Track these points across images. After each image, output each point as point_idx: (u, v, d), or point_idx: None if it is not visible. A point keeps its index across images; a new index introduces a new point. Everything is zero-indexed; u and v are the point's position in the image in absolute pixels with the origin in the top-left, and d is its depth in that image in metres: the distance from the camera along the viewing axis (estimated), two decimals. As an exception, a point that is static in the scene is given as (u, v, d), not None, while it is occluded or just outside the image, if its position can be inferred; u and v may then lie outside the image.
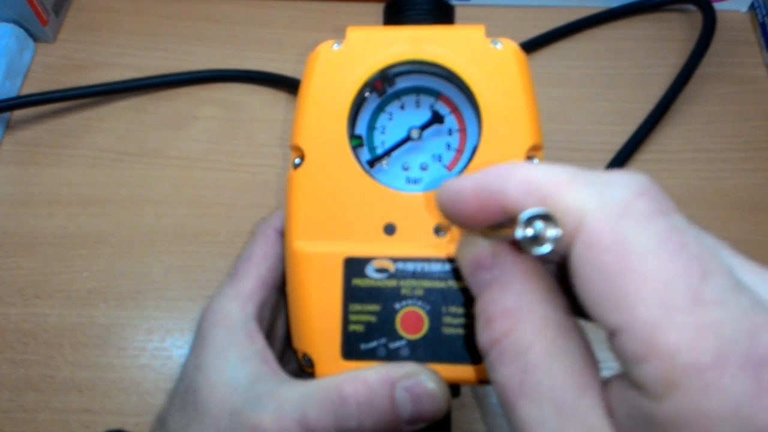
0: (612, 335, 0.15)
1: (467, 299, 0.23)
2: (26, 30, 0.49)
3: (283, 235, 0.27)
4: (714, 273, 0.14)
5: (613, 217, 0.15)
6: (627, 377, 0.15)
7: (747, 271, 0.16)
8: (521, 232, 0.16)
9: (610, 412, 0.15)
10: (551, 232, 0.15)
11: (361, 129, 0.27)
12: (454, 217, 0.18)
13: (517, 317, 0.17)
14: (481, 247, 0.18)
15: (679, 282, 0.14)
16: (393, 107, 0.28)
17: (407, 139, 0.27)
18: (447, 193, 0.18)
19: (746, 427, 0.13)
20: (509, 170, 0.17)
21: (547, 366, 0.16)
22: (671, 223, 0.15)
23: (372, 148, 0.27)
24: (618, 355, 0.15)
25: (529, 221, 0.16)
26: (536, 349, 0.16)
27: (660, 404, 0.14)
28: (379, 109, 0.28)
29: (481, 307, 0.18)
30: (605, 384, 0.16)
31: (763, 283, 0.15)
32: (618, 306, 0.14)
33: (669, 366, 0.13)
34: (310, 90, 0.26)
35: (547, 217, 0.16)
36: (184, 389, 0.25)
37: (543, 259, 0.18)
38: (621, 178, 0.16)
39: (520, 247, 0.16)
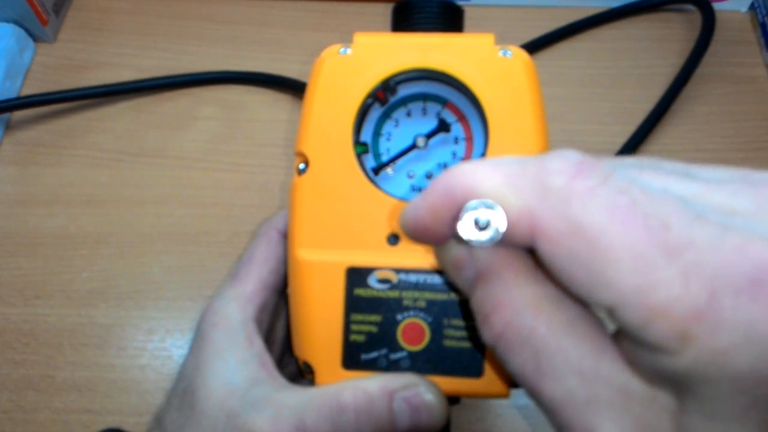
0: (610, 313, 0.15)
1: (469, 312, 0.23)
2: (26, 30, 0.49)
3: (285, 236, 0.27)
4: (672, 216, 0.14)
5: (560, 206, 0.15)
6: (639, 341, 0.15)
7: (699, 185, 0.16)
8: (463, 227, 0.17)
9: (631, 364, 0.16)
10: (495, 220, 0.16)
11: (366, 136, 0.27)
12: (424, 241, 0.19)
13: (512, 307, 0.17)
14: (456, 246, 0.18)
15: (644, 242, 0.14)
16: (399, 114, 0.28)
17: (413, 147, 0.27)
18: (406, 221, 0.18)
19: (764, 348, 0.13)
20: (451, 184, 0.17)
21: (555, 343, 0.16)
22: (614, 188, 0.15)
23: (377, 155, 0.27)
24: (623, 328, 0.15)
25: (468, 218, 0.17)
26: (540, 331, 0.16)
27: (678, 358, 0.14)
28: (385, 116, 0.27)
29: (475, 306, 0.18)
30: (616, 338, 0.16)
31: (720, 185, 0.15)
32: (601, 286, 0.15)
33: (670, 322, 0.14)
34: (315, 96, 0.26)
35: (490, 206, 0.16)
36: (183, 390, 0.25)
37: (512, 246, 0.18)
38: (553, 163, 0.16)
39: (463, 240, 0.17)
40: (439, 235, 0.18)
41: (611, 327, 0.16)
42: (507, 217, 0.16)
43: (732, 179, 0.16)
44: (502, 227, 0.16)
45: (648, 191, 0.15)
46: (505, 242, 0.17)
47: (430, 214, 0.18)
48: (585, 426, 0.16)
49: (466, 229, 0.17)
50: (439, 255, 0.20)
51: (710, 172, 0.16)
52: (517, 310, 0.17)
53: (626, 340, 0.16)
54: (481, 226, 0.16)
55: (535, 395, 0.17)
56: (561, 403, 0.16)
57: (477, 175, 0.17)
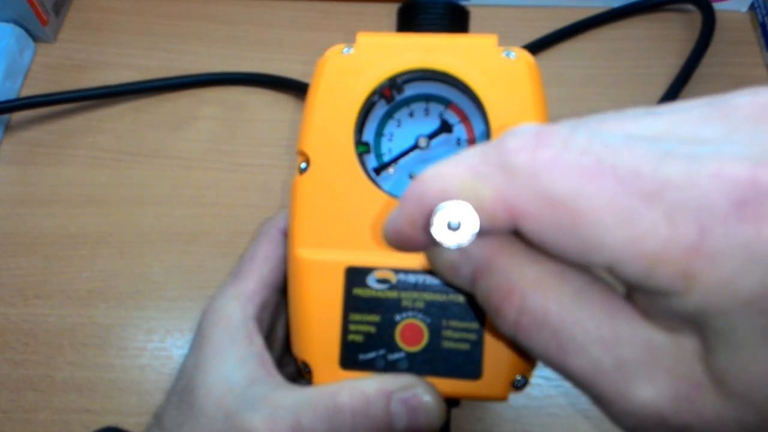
0: (610, 272, 0.15)
1: (468, 313, 0.23)
2: (26, 30, 0.49)
3: (287, 236, 0.27)
4: (640, 161, 0.14)
5: (530, 183, 0.15)
6: (646, 291, 0.15)
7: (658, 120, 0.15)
8: (438, 233, 0.16)
9: (649, 317, 0.15)
10: (466, 216, 0.16)
11: (368, 136, 0.27)
12: (412, 250, 0.19)
13: (519, 292, 0.17)
14: (446, 250, 0.18)
15: (619, 195, 0.14)
16: (401, 114, 0.27)
17: (414, 147, 0.27)
18: (388, 235, 0.19)
19: (766, 265, 0.13)
20: (420, 192, 0.17)
21: (569, 316, 0.16)
22: (575, 150, 0.15)
23: (379, 155, 0.27)
24: (627, 282, 0.15)
25: (440, 223, 0.16)
26: (552, 309, 0.16)
27: (687, 298, 0.14)
28: (388, 116, 0.27)
29: (483, 302, 0.18)
30: (629, 295, 0.16)
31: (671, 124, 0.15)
32: (592, 250, 0.14)
33: (669, 266, 0.14)
34: (317, 95, 0.26)
35: (458, 206, 0.16)
36: (182, 387, 0.25)
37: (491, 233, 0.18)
38: (511, 142, 0.16)
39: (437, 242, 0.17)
40: (422, 243, 0.18)
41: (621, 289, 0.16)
42: (483, 207, 0.16)
43: (696, 106, 0.15)
44: (476, 222, 0.16)
45: (610, 143, 0.15)
46: (487, 233, 0.16)
47: (407, 225, 0.18)
48: (619, 392, 0.15)
49: (441, 234, 0.17)
50: (432, 261, 0.19)
51: (674, 105, 0.16)
52: (524, 294, 0.17)
53: (638, 293, 0.15)
54: (455, 227, 0.16)
55: (564, 373, 0.17)
56: (590, 374, 0.16)
57: (443, 176, 0.17)
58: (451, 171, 0.17)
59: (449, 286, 0.23)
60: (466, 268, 0.18)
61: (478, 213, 0.16)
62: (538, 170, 0.15)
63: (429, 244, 0.18)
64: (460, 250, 0.18)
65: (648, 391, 0.15)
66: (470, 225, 0.16)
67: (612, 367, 0.15)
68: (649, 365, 0.15)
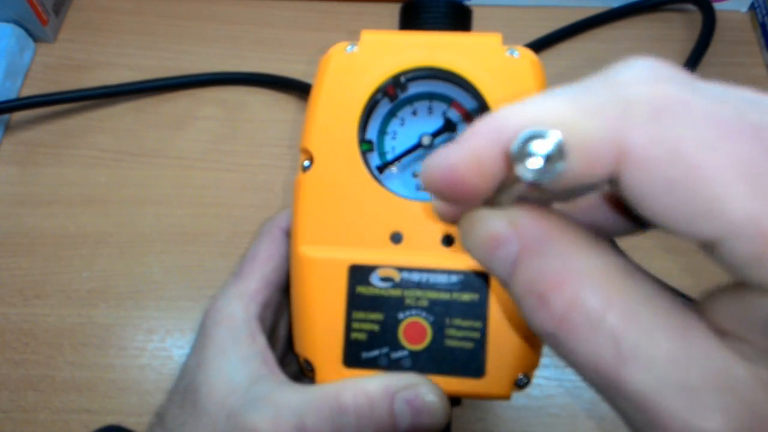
0: (711, 247, 0.12)
1: (471, 312, 0.23)
2: (26, 30, 0.49)
3: (289, 235, 0.27)
4: None
5: (651, 123, 0.12)
6: (745, 284, 0.12)
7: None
8: (524, 162, 0.13)
9: (722, 334, 0.13)
10: (556, 145, 0.13)
11: (371, 134, 0.27)
12: (454, 197, 0.15)
13: (575, 282, 0.14)
14: (492, 219, 0.15)
15: (759, 160, 0.12)
16: (405, 113, 0.28)
17: (418, 145, 0.27)
18: (436, 171, 0.15)
19: None
20: (500, 125, 0.14)
21: (636, 323, 0.13)
22: (710, 96, 0.12)
23: (382, 154, 0.27)
24: (726, 265, 0.12)
25: (524, 147, 0.13)
26: (614, 310, 0.13)
27: None
28: (391, 114, 0.27)
29: (524, 288, 0.15)
30: (702, 311, 0.14)
31: None
32: (707, 215, 0.12)
33: None
34: (321, 93, 0.26)
35: (542, 136, 0.13)
36: (184, 387, 0.25)
37: (569, 194, 0.15)
38: (625, 74, 0.13)
39: (531, 187, 0.13)
40: (478, 188, 0.14)
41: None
42: (586, 143, 0.13)
43: None
44: (567, 151, 0.13)
45: (746, 98, 0.12)
46: (580, 178, 0.13)
47: (472, 160, 0.14)
48: (681, 417, 0.13)
49: (527, 164, 0.13)
50: (470, 231, 0.16)
51: None
52: (581, 285, 0.14)
53: (726, 297, 0.13)
54: (545, 156, 0.12)
55: (612, 388, 0.14)
56: (649, 392, 0.13)
57: (535, 108, 0.14)
58: (544, 104, 0.14)
59: (456, 284, 0.23)
60: (512, 245, 0.15)
61: (578, 151, 0.13)
62: (663, 108, 0.12)
63: (483, 192, 0.15)
64: (511, 222, 0.15)
65: (718, 422, 0.13)
66: (561, 151, 0.12)
67: (678, 389, 0.13)
68: (723, 393, 0.13)
